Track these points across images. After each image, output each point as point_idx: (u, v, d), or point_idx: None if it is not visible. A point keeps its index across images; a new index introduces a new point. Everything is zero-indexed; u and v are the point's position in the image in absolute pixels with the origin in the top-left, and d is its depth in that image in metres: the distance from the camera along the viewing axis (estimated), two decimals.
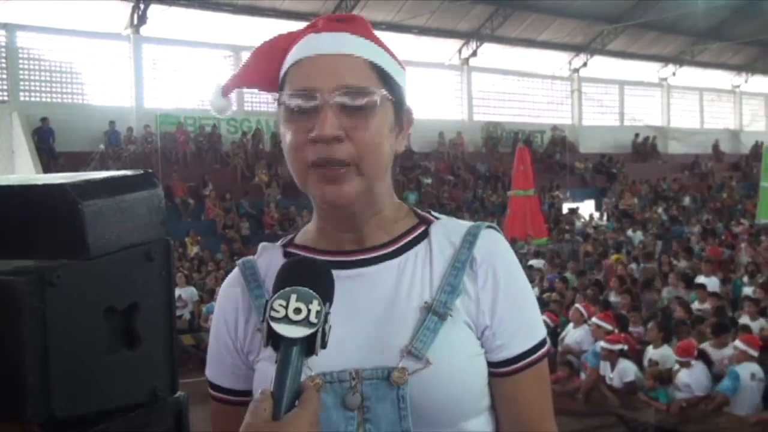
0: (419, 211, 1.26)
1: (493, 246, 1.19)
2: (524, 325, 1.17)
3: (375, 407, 1.09)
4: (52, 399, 0.78)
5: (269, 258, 1.24)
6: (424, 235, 1.20)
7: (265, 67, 1.21)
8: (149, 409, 0.91)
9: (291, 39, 1.20)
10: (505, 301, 1.15)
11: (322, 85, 1.10)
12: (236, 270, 1.26)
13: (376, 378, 1.09)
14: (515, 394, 1.16)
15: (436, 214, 1.26)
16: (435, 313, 1.12)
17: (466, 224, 1.21)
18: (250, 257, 1.28)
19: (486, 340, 1.15)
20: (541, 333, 1.19)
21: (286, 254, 1.24)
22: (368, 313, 1.12)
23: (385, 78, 1.15)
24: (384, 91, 1.14)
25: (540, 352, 1.18)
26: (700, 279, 10.35)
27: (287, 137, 1.13)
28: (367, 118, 1.11)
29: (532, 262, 13.26)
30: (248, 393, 1.20)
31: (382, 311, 1.13)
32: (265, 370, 1.16)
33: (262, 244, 1.29)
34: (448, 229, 1.20)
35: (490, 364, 1.15)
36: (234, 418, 1.21)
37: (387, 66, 1.16)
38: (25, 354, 0.77)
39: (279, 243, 1.28)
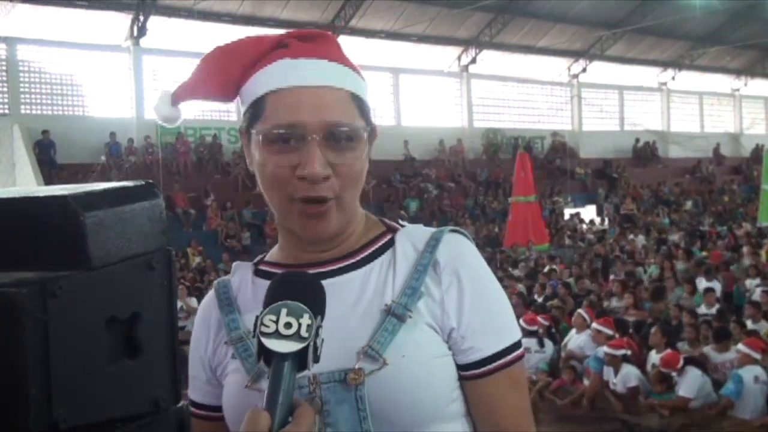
0: (386, 220, 1.28)
1: (457, 249, 1.18)
2: (493, 327, 1.16)
3: (335, 410, 1.08)
4: (54, 409, 0.78)
5: (241, 276, 1.26)
6: (390, 243, 1.21)
7: (222, 77, 1.18)
8: (151, 419, 0.91)
9: (254, 49, 1.17)
10: (471, 303, 1.15)
11: (308, 121, 1.10)
12: (212, 290, 1.28)
13: (333, 381, 1.09)
14: (488, 397, 1.15)
15: (403, 223, 1.27)
16: (394, 315, 1.12)
17: (430, 230, 1.22)
18: (225, 277, 1.29)
19: (454, 343, 1.14)
20: (515, 335, 1.18)
21: (256, 272, 1.26)
22: (330, 321, 1.08)
23: (362, 107, 1.17)
24: (364, 123, 1.16)
25: (513, 355, 1.16)
26: (703, 283, 10.35)
27: (267, 168, 1.13)
28: (351, 152, 1.13)
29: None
30: (221, 409, 1.20)
31: (343, 319, 1.13)
32: (232, 384, 1.17)
33: (235, 263, 1.31)
34: (412, 236, 1.21)
35: (461, 367, 1.15)
36: None
37: (362, 92, 1.18)
38: (27, 365, 0.77)
39: (252, 261, 1.29)
